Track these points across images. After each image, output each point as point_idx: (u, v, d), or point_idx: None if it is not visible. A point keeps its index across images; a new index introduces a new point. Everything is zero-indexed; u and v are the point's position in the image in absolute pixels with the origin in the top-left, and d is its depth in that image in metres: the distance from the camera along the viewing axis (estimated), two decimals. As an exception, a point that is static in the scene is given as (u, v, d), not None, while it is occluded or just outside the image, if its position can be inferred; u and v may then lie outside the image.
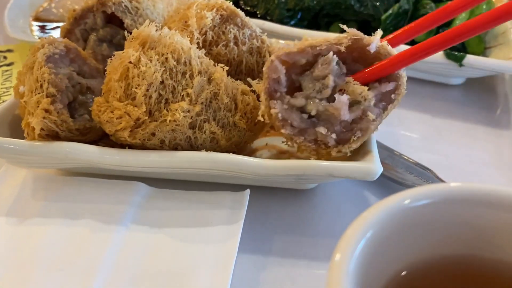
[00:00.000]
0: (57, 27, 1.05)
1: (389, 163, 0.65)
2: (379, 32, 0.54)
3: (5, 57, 0.98)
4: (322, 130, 0.54)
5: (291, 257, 0.56)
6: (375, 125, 0.54)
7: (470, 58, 0.81)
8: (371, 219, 0.33)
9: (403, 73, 0.55)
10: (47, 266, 0.51)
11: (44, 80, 0.57)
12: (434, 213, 0.35)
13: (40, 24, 1.06)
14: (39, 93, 0.56)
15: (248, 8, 1.01)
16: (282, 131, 0.55)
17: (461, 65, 0.81)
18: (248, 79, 0.60)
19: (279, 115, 0.54)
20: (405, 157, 0.67)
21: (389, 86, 0.54)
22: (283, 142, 0.58)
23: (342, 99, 0.52)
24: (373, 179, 0.54)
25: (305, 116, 0.55)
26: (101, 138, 0.62)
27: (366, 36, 0.54)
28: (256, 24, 0.89)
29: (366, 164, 0.54)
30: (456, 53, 0.81)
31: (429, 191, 0.35)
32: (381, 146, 0.70)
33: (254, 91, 0.60)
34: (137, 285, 0.50)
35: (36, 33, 1.02)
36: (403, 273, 0.35)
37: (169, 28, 0.63)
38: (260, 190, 0.62)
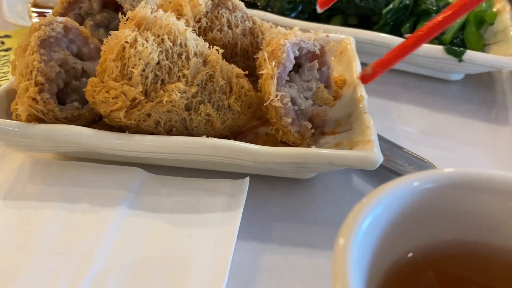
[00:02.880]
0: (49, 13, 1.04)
1: (388, 155, 0.66)
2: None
3: (2, 43, 0.97)
4: (308, 125, 0.60)
5: (290, 245, 0.55)
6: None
7: (470, 54, 0.81)
8: (375, 201, 0.32)
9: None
10: (46, 249, 0.51)
11: (34, 68, 0.56)
12: (441, 197, 0.35)
13: (39, 10, 1.05)
14: (28, 80, 0.56)
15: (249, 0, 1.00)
16: (284, 118, 0.56)
17: (460, 61, 0.81)
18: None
19: (289, 102, 0.57)
20: (405, 150, 0.67)
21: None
22: (271, 128, 0.61)
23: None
24: (374, 168, 0.54)
25: (296, 107, 0.60)
26: (90, 125, 0.61)
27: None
28: (257, 15, 0.89)
29: (367, 153, 0.54)
30: (456, 48, 0.82)
31: (437, 175, 0.35)
32: (381, 139, 0.70)
33: (247, 75, 0.61)
34: (135, 270, 0.49)
35: (35, 19, 1.01)
36: (410, 254, 0.35)
37: None
38: (260, 178, 0.62)
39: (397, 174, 0.63)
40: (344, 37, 0.79)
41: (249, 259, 0.53)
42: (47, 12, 1.04)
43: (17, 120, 0.57)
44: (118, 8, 0.68)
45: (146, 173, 0.61)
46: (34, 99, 0.55)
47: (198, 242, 0.52)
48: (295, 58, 0.60)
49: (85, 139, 0.56)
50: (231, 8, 0.65)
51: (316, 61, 0.62)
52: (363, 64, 0.71)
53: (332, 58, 0.77)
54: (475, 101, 0.86)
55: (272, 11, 0.95)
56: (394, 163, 0.64)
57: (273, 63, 0.57)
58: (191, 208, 0.56)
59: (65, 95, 0.61)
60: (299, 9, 0.97)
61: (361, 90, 0.65)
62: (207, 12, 0.63)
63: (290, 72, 0.60)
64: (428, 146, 0.73)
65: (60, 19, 0.61)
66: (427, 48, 0.82)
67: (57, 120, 0.58)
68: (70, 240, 0.52)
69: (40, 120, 0.57)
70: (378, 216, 0.32)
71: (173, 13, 0.58)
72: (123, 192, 0.57)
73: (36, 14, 1.02)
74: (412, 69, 0.90)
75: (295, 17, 0.95)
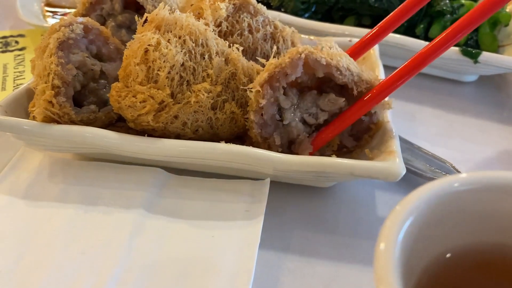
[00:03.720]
0: (70, 13, 1.04)
1: (408, 156, 0.66)
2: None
3: (17, 42, 0.97)
4: (277, 139, 0.56)
5: (311, 250, 0.55)
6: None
7: (485, 55, 0.81)
8: (414, 204, 0.33)
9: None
10: (68, 249, 0.51)
11: (51, 71, 0.56)
12: (479, 199, 0.35)
13: (52, 9, 1.05)
14: (45, 83, 0.56)
15: (263, 0, 1.00)
16: (251, 115, 0.55)
17: (476, 62, 0.82)
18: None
19: (263, 102, 0.54)
20: (424, 150, 0.68)
21: (364, 122, 0.60)
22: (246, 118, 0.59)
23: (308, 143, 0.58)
24: (396, 180, 0.52)
25: (277, 116, 0.57)
26: (106, 127, 0.61)
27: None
28: (271, 15, 0.89)
29: (389, 164, 0.52)
30: (471, 50, 0.82)
31: (475, 177, 0.35)
32: (400, 139, 0.70)
33: None
34: (158, 270, 0.49)
35: (49, 19, 1.02)
36: (448, 255, 0.35)
37: None
38: (277, 184, 0.61)
39: (418, 175, 0.63)
40: None
41: (271, 261, 0.53)
42: (61, 12, 1.04)
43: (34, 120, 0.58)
44: (140, 9, 0.68)
45: (167, 174, 0.61)
46: (50, 102, 0.56)
47: (222, 243, 0.52)
48: (320, 79, 0.57)
49: (104, 141, 0.56)
50: (252, 12, 0.65)
51: (343, 100, 0.57)
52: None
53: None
54: (488, 103, 0.87)
55: (285, 11, 0.95)
56: (414, 164, 0.65)
57: (278, 64, 0.55)
58: (212, 208, 0.56)
59: (83, 97, 0.61)
60: (313, 9, 0.97)
61: (386, 99, 0.62)
62: (228, 16, 0.63)
63: (303, 88, 0.58)
64: (443, 147, 0.74)
65: (80, 19, 0.61)
66: (443, 49, 0.82)
67: (73, 123, 0.58)
68: (92, 240, 0.52)
69: (56, 122, 0.57)
70: (416, 219, 0.32)
71: (191, 13, 0.58)
72: (144, 192, 0.57)
73: (51, 14, 1.02)
74: (426, 70, 0.90)
75: (309, 18, 0.95)
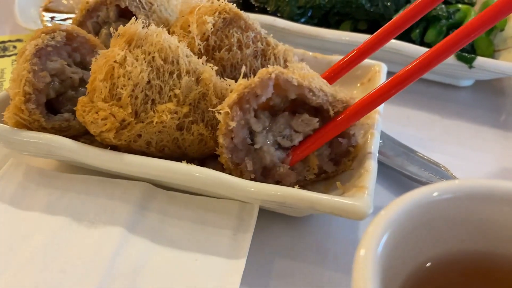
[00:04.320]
0: (68, 18, 1.05)
1: (404, 160, 0.66)
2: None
3: (14, 47, 0.98)
4: (249, 165, 0.53)
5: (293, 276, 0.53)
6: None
7: (480, 60, 0.81)
8: (394, 212, 0.33)
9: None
10: (48, 267, 0.50)
11: (23, 77, 0.56)
12: (459, 208, 0.36)
13: (50, 15, 1.06)
14: (17, 88, 0.56)
15: (259, 5, 1.01)
16: (220, 138, 0.53)
17: (471, 67, 0.81)
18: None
19: (232, 124, 0.51)
20: (420, 154, 0.68)
21: (343, 145, 0.57)
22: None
23: (285, 168, 0.55)
24: (361, 219, 0.48)
25: (248, 140, 0.54)
26: (84, 134, 0.61)
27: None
28: (266, 20, 0.89)
29: (354, 201, 0.48)
30: (466, 54, 0.82)
31: (454, 185, 0.35)
32: (395, 143, 0.70)
33: None
34: None
35: (47, 23, 1.02)
36: (428, 264, 0.35)
37: (172, 32, 0.62)
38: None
39: (413, 179, 0.63)
40: (375, 63, 0.72)
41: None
42: (59, 18, 1.05)
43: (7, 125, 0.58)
44: (136, 18, 0.69)
45: (154, 188, 0.59)
46: (20, 108, 0.56)
47: (205, 268, 0.51)
48: (293, 101, 0.55)
49: (67, 151, 0.56)
50: (243, 27, 0.63)
51: (317, 120, 0.55)
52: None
53: (359, 85, 0.73)
54: (484, 107, 0.86)
55: (281, 16, 0.95)
56: (409, 168, 0.65)
57: (248, 84, 0.52)
58: (198, 230, 0.55)
59: (60, 104, 0.61)
60: (309, 14, 0.97)
61: (375, 126, 0.60)
62: (217, 30, 0.61)
63: (276, 111, 0.56)
64: (438, 152, 0.73)
65: (64, 27, 0.61)
66: (437, 54, 0.82)
67: (44, 129, 0.58)
68: (73, 259, 0.51)
69: (28, 128, 0.58)
70: (397, 227, 0.32)
71: (164, 28, 0.56)
72: (129, 209, 0.56)
73: (50, 19, 1.03)
74: (422, 74, 0.90)
75: (305, 22, 0.95)
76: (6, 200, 0.59)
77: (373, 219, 0.34)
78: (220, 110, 0.52)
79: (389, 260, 0.31)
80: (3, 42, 0.99)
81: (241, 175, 0.54)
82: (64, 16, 1.06)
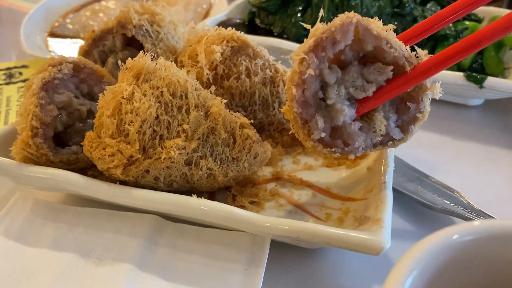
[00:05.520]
0: (75, 43, 1.05)
1: (417, 186, 0.65)
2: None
3: (20, 73, 0.97)
4: (320, 122, 0.48)
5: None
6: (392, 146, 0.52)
7: (490, 80, 0.80)
8: (417, 256, 0.33)
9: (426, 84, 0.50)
10: None
11: (30, 112, 0.56)
12: (480, 249, 0.35)
13: (56, 40, 1.06)
14: (25, 123, 0.56)
15: (264, 26, 1.00)
16: (293, 90, 0.47)
17: (481, 87, 0.80)
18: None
19: (310, 72, 0.46)
20: (433, 179, 0.66)
21: (411, 111, 0.51)
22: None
23: (355, 127, 0.50)
24: (377, 255, 0.46)
25: (320, 94, 0.49)
26: (92, 166, 0.60)
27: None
28: (273, 43, 0.89)
29: (371, 236, 0.46)
30: (476, 75, 0.81)
31: (474, 227, 0.35)
32: (408, 167, 0.69)
33: (252, 124, 0.58)
34: None
35: (52, 49, 1.02)
36: None
37: (180, 62, 0.61)
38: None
39: (427, 206, 0.62)
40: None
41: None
42: (64, 42, 1.05)
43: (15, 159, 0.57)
44: (143, 46, 0.68)
45: (163, 221, 0.58)
46: (27, 143, 0.55)
47: None
48: (368, 53, 0.49)
49: (74, 186, 0.55)
50: (251, 55, 0.63)
51: (391, 68, 0.49)
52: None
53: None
54: (495, 127, 0.85)
55: (288, 38, 0.95)
56: (424, 195, 0.64)
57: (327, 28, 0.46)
58: (209, 264, 0.53)
59: (68, 136, 0.61)
60: (315, 35, 0.96)
61: (387, 155, 0.60)
62: (225, 58, 0.61)
63: (350, 60, 0.50)
64: (451, 175, 0.72)
65: (71, 58, 0.61)
66: (447, 74, 0.81)
67: (52, 163, 0.57)
68: None
69: (35, 162, 0.57)
70: (420, 272, 0.32)
71: (173, 62, 0.56)
72: (139, 242, 0.55)
73: (53, 44, 1.02)
74: (431, 94, 0.89)
75: (311, 43, 0.95)
76: (13, 236, 0.58)
77: (394, 265, 0.33)
78: (293, 57, 0.47)
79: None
80: (9, 68, 0.99)
81: (308, 134, 0.49)
82: (69, 41, 1.06)
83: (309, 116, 0.48)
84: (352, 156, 0.51)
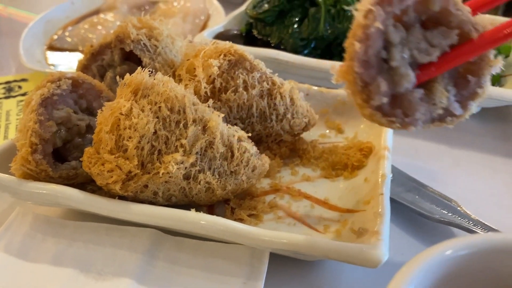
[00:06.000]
0: (73, 56, 1.06)
1: (415, 195, 0.65)
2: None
3: (19, 87, 0.98)
4: (382, 85, 0.42)
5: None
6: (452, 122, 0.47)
7: (487, 89, 0.81)
8: (414, 271, 0.33)
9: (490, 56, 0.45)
10: None
11: (29, 128, 0.56)
12: (476, 263, 0.35)
13: (55, 54, 1.06)
14: (24, 139, 0.56)
15: (262, 37, 1.01)
16: (356, 45, 0.41)
17: (477, 96, 0.81)
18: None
19: (378, 25, 0.40)
20: (431, 189, 0.67)
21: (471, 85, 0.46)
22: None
23: (417, 95, 0.44)
24: (375, 267, 0.47)
25: (384, 54, 0.43)
26: (91, 181, 0.60)
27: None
28: (270, 54, 0.89)
29: (369, 249, 0.47)
30: (472, 83, 0.81)
31: (468, 241, 0.35)
32: (405, 177, 0.69)
33: (250, 137, 0.59)
34: None
35: (51, 62, 1.03)
36: None
37: (178, 76, 0.62)
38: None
39: (425, 216, 0.62)
40: None
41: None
42: (62, 55, 1.05)
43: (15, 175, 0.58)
44: (141, 60, 0.68)
45: (162, 235, 0.58)
46: (27, 159, 0.56)
47: None
48: (431, 17, 0.44)
49: (73, 201, 0.55)
50: (248, 68, 0.64)
51: (457, 32, 0.44)
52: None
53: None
54: (493, 135, 0.86)
55: (285, 49, 0.96)
56: (421, 205, 0.64)
57: None
58: (209, 278, 0.54)
59: (67, 151, 0.61)
60: (312, 45, 0.97)
61: (385, 166, 0.60)
62: (222, 72, 0.62)
63: (412, 23, 0.44)
64: (449, 185, 0.72)
65: (69, 74, 0.62)
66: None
67: (51, 179, 0.58)
68: None
69: (35, 178, 0.57)
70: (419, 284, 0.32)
71: (171, 76, 0.57)
72: (138, 257, 0.55)
73: (52, 57, 1.02)
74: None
75: (308, 54, 0.95)
76: (14, 252, 0.58)
77: (391, 280, 0.33)
78: (356, 9, 0.42)
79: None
80: (8, 82, 0.99)
81: (367, 100, 0.43)
82: (68, 54, 1.06)
83: (370, 78, 0.42)
84: (411, 129, 0.46)
